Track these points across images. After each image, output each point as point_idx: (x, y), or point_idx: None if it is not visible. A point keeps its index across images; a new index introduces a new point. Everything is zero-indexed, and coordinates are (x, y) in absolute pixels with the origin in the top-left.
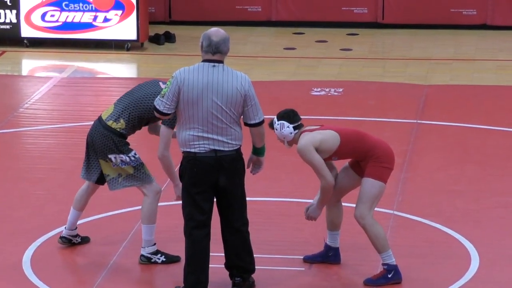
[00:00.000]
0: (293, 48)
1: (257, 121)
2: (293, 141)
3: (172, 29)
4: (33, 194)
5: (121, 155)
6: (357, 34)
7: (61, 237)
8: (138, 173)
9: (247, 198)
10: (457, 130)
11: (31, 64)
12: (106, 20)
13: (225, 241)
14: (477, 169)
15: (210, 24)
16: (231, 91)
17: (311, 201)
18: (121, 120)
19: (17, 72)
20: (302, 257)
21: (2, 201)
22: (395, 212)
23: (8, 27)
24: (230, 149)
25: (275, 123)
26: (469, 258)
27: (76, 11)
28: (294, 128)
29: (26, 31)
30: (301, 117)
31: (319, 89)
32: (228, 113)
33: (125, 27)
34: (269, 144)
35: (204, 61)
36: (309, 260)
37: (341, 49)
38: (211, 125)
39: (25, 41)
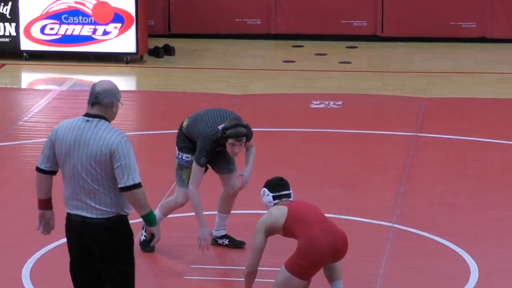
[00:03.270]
0: (293, 61)
1: (126, 184)
2: None
3: (171, 42)
4: (32, 207)
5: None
6: (356, 47)
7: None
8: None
9: (243, 211)
10: (456, 143)
11: (30, 77)
12: (105, 33)
13: None
14: (476, 182)
15: (210, 37)
16: (95, 150)
17: None
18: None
19: (16, 85)
20: None
21: (1, 214)
22: (394, 225)
23: (7, 40)
24: (99, 216)
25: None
26: (468, 271)
27: (76, 24)
28: (274, 197)
29: (26, 44)
30: (298, 130)
31: (318, 102)
32: (95, 174)
33: (124, 40)
34: (270, 156)
35: (84, 114)
36: None
37: (340, 62)
38: (78, 185)
39: (25, 54)
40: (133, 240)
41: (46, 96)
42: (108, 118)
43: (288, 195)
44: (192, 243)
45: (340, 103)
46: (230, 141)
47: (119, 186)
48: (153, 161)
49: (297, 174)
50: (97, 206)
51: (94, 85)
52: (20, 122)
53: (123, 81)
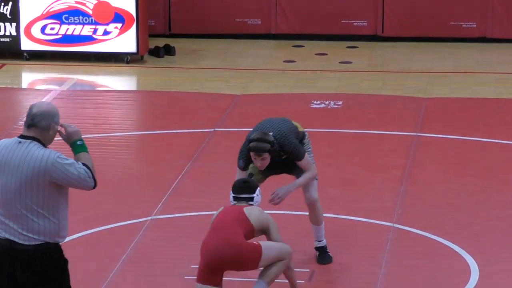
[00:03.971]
0: (293, 61)
1: (91, 184)
2: None
3: (172, 42)
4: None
5: None
6: (357, 47)
7: None
8: None
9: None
10: (457, 143)
11: (31, 77)
12: (106, 33)
13: None
14: (477, 182)
15: (210, 37)
16: (25, 173)
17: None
18: None
19: (17, 85)
20: (302, 270)
21: None
22: (395, 225)
23: (8, 40)
24: (27, 243)
25: None
26: (469, 271)
27: (76, 24)
28: (234, 198)
29: (26, 44)
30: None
31: (318, 102)
32: (24, 199)
33: (124, 40)
34: None
35: (19, 136)
36: None
37: (340, 62)
38: (7, 209)
39: (25, 54)
40: (66, 268)
41: (46, 96)
42: (43, 141)
43: (248, 199)
44: (192, 242)
45: (340, 103)
46: (251, 153)
47: (87, 189)
48: (153, 162)
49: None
50: (24, 233)
51: (32, 106)
52: (21, 122)
53: (124, 81)
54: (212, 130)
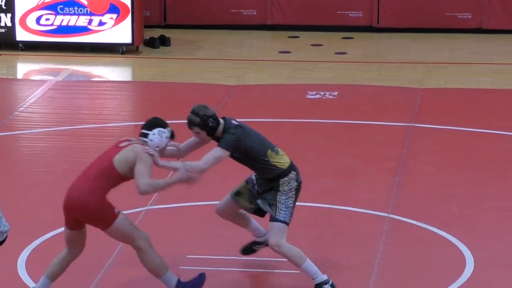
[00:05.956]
0: (288, 52)
1: None
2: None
3: (167, 32)
4: (28, 197)
5: None
6: (352, 38)
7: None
8: None
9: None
10: (453, 134)
11: (26, 67)
12: (101, 23)
13: None
14: (473, 172)
15: (206, 27)
16: None
17: (305, 204)
18: None
19: (12, 76)
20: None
21: None
22: (390, 215)
23: (3, 30)
24: None
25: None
26: (464, 262)
27: (71, 14)
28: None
29: (21, 35)
30: (295, 120)
31: (314, 93)
32: None
33: (120, 31)
34: None
35: None
36: None
37: (336, 53)
38: None
39: (20, 45)
40: None
41: (42, 86)
42: None
43: (144, 135)
44: (188, 233)
45: (336, 93)
46: None
47: None
48: None
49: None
50: None
51: None
52: (16, 113)
53: (119, 72)
54: None
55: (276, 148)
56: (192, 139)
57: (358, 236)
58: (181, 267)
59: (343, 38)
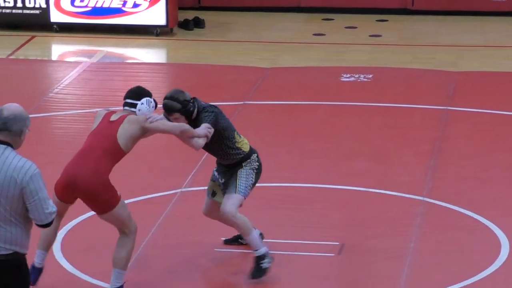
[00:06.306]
0: (323, 34)
1: (44, 222)
2: None
3: (201, 14)
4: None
5: None
6: (387, 21)
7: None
8: None
9: (273, 184)
10: (487, 117)
11: (60, 49)
12: (135, 5)
13: None
14: (507, 156)
15: (240, 10)
16: (1, 181)
17: (339, 187)
18: None
19: (46, 57)
20: (331, 243)
21: None
22: (425, 199)
23: (37, 12)
24: (1, 253)
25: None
26: (499, 245)
27: None
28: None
29: (56, 16)
30: (329, 103)
31: (348, 75)
32: None
33: (154, 13)
34: (299, 130)
35: None
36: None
37: (370, 35)
38: None
39: (55, 26)
40: (29, 281)
41: (76, 68)
42: (14, 146)
43: (132, 105)
44: None
45: (370, 76)
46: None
47: (36, 223)
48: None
49: (326, 147)
50: None
51: (1, 109)
52: (51, 94)
53: (153, 54)
54: (242, 103)
55: (237, 132)
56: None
57: (392, 220)
58: (216, 249)
59: (377, 20)
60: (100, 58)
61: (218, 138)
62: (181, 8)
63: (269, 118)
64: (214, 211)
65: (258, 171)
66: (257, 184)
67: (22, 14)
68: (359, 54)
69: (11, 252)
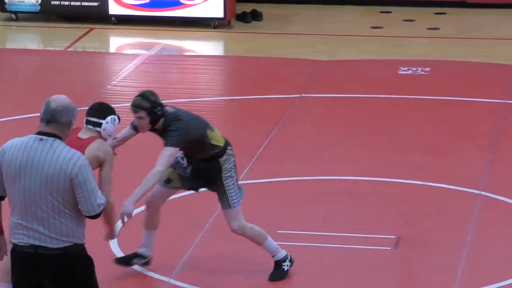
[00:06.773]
0: (380, 27)
1: (91, 213)
2: None
3: (259, 7)
4: (117, 170)
5: None
6: (445, 13)
7: None
8: None
9: (330, 177)
10: None
11: (118, 41)
12: None
13: None
14: None
15: (297, 2)
16: (52, 173)
17: (396, 180)
18: None
19: (104, 50)
20: (387, 236)
21: None
22: (482, 193)
23: (96, 4)
24: (54, 246)
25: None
26: None
27: None
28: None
29: (114, 9)
30: (386, 96)
31: (406, 68)
32: (50, 200)
33: (212, 5)
34: (357, 122)
35: (36, 132)
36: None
37: (428, 28)
38: (29, 211)
39: (113, 19)
40: (93, 267)
41: (134, 60)
42: (63, 138)
43: (96, 124)
44: (277, 208)
45: (428, 69)
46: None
47: (85, 214)
48: (241, 127)
49: (384, 140)
50: (52, 235)
51: (49, 101)
52: (108, 86)
53: (211, 46)
54: (299, 96)
55: (210, 125)
56: (126, 129)
57: (449, 213)
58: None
59: (435, 13)
60: (158, 50)
61: (192, 145)
62: (239, 1)
63: (326, 111)
64: (157, 201)
65: (234, 166)
66: (313, 178)
67: (81, 6)
68: (417, 47)
69: (69, 244)
